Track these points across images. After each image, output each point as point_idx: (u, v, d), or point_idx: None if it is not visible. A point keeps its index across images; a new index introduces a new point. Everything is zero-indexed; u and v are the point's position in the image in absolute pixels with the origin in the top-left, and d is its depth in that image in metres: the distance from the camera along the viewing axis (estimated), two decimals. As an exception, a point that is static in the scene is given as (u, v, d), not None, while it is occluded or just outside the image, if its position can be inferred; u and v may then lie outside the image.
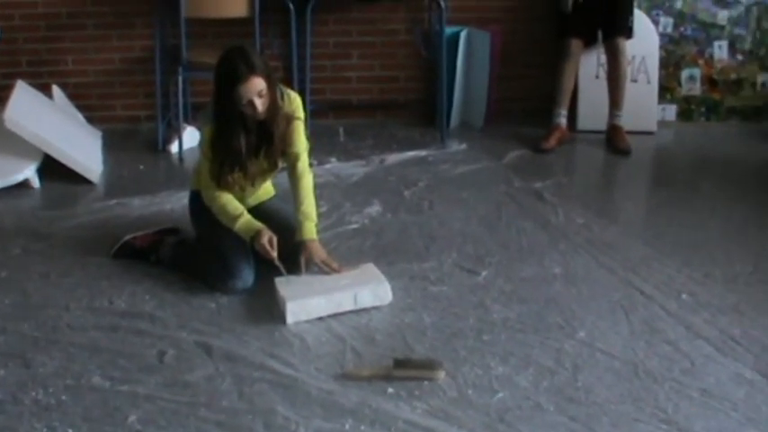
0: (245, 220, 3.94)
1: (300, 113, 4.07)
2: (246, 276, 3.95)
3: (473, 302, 3.90)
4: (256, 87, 3.77)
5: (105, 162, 5.63)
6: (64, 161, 5.27)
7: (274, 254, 3.88)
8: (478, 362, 3.41)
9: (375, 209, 4.94)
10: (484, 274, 4.17)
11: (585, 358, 3.43)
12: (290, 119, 4.00)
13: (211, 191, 3.98)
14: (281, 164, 4.10)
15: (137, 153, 5.91)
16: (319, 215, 4.10)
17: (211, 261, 3.99)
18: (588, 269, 4.22)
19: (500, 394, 3.19)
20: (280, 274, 3.90)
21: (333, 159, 5.75)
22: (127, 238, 4.30)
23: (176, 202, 4.93)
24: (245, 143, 3.91)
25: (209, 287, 3.97)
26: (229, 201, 3.97)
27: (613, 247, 4.45)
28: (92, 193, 5.20)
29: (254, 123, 3.91)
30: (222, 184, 3.95)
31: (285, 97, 4.02)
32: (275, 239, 3.89)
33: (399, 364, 3.32)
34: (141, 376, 3.31)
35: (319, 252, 3.96)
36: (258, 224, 3.93)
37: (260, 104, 3.80)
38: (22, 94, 5.54)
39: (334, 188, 5.24)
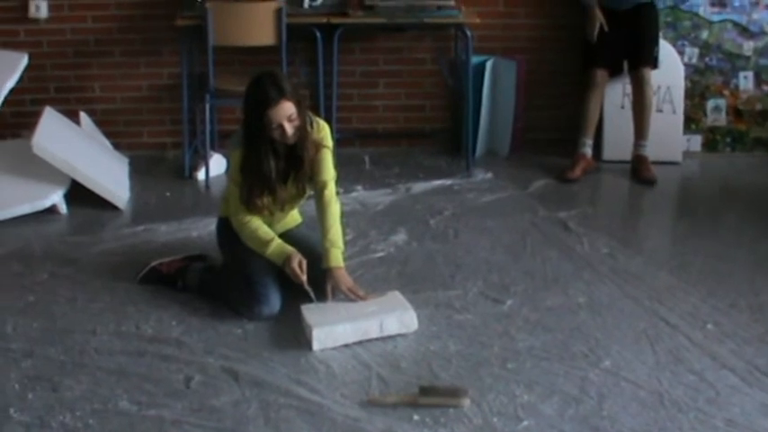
0: (277, 244, 3.96)
1: (329, 142, 4.10)
2: (273, 303, 3.97)
3: (498, 331, 3.90)
4: (286, 112, 3.80)
5: (132, 188, 5.67)
6: (91, 187, 5.30)
7: (304, 277, 3.90)
8: (503, 390, 3.42)
9: (401, 237, 4.95)
10: (509, 302, 4.18)
11: (611, 387, 3.43)
12: (318, 146, 4.03)
13: (241, 216, 4.00)
14: (309, 191, 4.13)
15: (163, 180, 5.93)
16: (345, 243, 4.11)
17: (238, 287, 4.01)
18: (613, 298, 4.22)
19: (525, 422, 3.20)
20: (307, 300, 3.92)
21: (359, 187, 5.76)
22: (154, 263, 4.33)
23: (203, 229, 4.95)
24: (274, 167, 3.94)
25: (235, 313, 3.99)
26: (260, 226, 4.00)
27: (638, 277, 4.45)
28: (119, 219, 5.23)
29: (284, 148, 3.94)
30: (251, 209, 3.98)
31: (314, 125, 4.05)
32: (305, 263, 3.92)
33: (425, 391, 3.33)
34: (168, 401, 3.33)
35: (345, 279, 3.97)
36: (290, 248, 3.95)
37: (290, 129, 3.84)
38: (50, 120, 5.59)
39: (359, 216, 5.24)
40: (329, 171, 4.08)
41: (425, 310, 4.03)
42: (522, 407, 3.30)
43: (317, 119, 4.13)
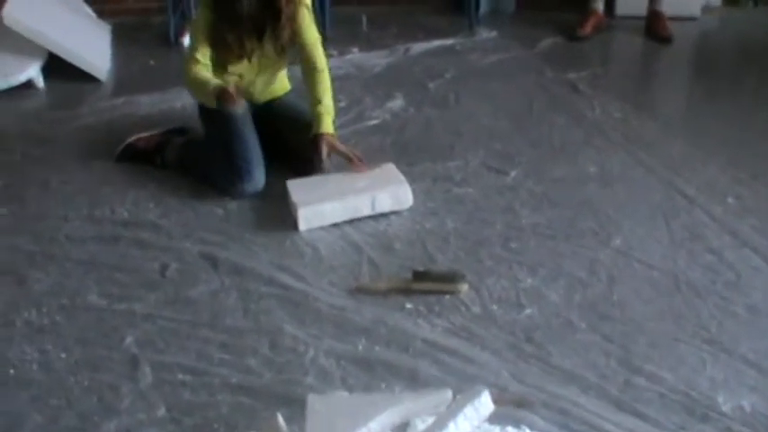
0: (217, 82, 3.75)
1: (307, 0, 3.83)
2: (257, 178, 3.73)
3: (500, 206, 3.68)
4: None
5: (114, 58, 5.44)
6: (69, 59, 5.05)
7: (242, 101, 3.74)
8: (505, 273, 3.19)
9: (397, 103, 4.74)
10: (513, 174, 3.95)
11: (621, 269, 3.20)
12: (296, 2, 3.76)
13: (193, 64, 3.78)
14: (289, 54, 3.88)
15: (148, 47, 5.71)
16: (338, 111, 3.90)
17: (220, 162, 3.77)
18: (625, 168, 3.99)
19: (528, 310, 2.97)
20: (295, 176, 3.70)
21: (354, 49, 5.58)
22: (131, 139, 4.08)
23: (187, 99, 4.62)
24: (247, 7, 3.68)
25: (217, 191, 3.76)
26: (207, 75, 3.78)
27: (653, 145, 4.22)
28: (99, 91, 5.00)
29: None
30: (218, 51, 3.78)
31: None
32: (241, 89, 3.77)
33: (419, 276, 3.11)
34: (141, 293, 3.10)
35: (338, 145, 3.75)
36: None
37: None
38: (23, -12, 5.30)
39: (354, 81, 5.05)
40: (312, 32, 3.82)
41: (422, 183, 3.81)
42: (525, 292, 3.07)
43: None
